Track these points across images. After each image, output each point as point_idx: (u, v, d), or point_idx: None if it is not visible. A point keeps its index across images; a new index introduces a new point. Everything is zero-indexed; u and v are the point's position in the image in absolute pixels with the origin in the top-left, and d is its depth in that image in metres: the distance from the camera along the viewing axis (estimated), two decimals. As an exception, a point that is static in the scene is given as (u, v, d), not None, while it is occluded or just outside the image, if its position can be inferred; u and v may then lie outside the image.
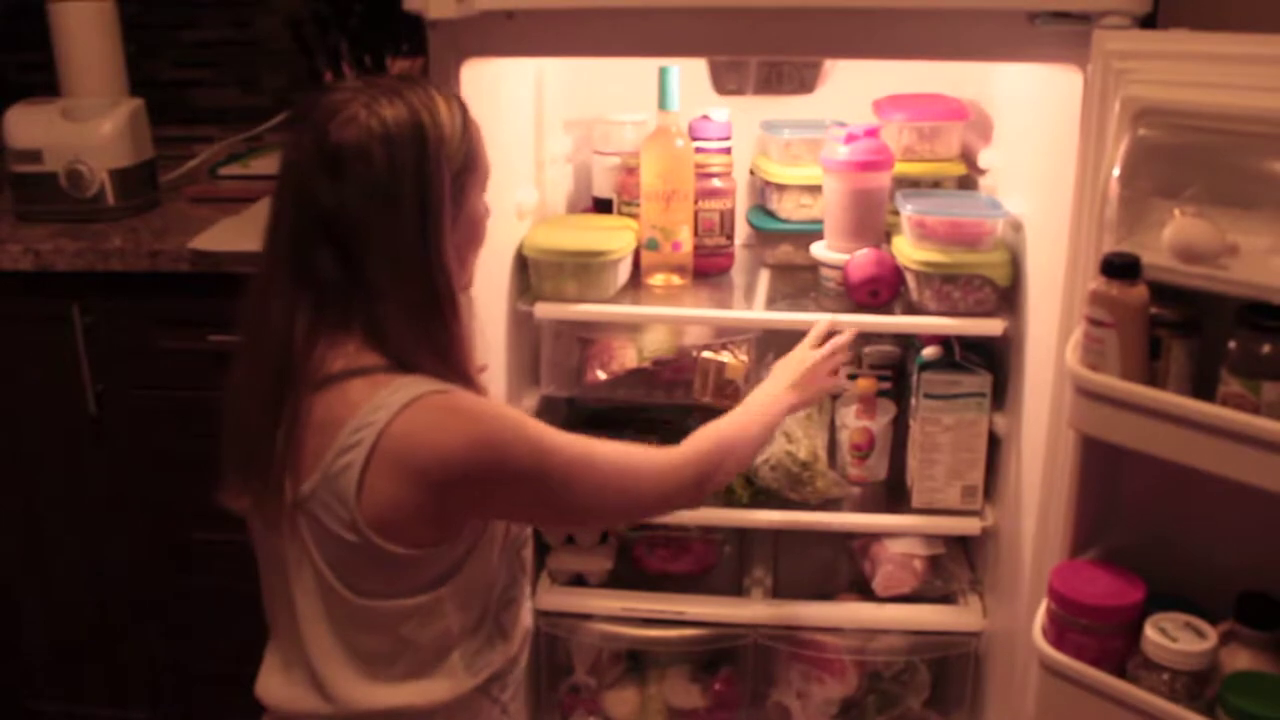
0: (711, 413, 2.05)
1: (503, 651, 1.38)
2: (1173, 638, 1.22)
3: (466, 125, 1.28)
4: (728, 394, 1.89)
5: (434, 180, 1.22)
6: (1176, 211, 1.19)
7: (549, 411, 2.08)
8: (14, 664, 2.32)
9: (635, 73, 1.88)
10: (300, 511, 1.24)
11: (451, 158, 1.25)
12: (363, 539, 1.22)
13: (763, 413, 1.62)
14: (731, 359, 1.89)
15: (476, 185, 1.32)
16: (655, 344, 1.93)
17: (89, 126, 2.24)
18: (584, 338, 1.97)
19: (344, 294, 1.23)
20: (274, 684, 1.36)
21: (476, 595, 1.34)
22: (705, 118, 1.97)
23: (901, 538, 1.98)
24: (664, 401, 1.99)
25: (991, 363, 1.89)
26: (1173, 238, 1.18)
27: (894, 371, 2.02)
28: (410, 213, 1.21)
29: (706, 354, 1.90)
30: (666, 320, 1.93)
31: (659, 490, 1.42)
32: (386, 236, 1.21)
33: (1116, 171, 1.24)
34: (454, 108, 1.28)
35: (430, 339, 1.26)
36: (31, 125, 2.23)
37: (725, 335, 1.92)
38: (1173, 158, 1.23)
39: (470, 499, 1.24)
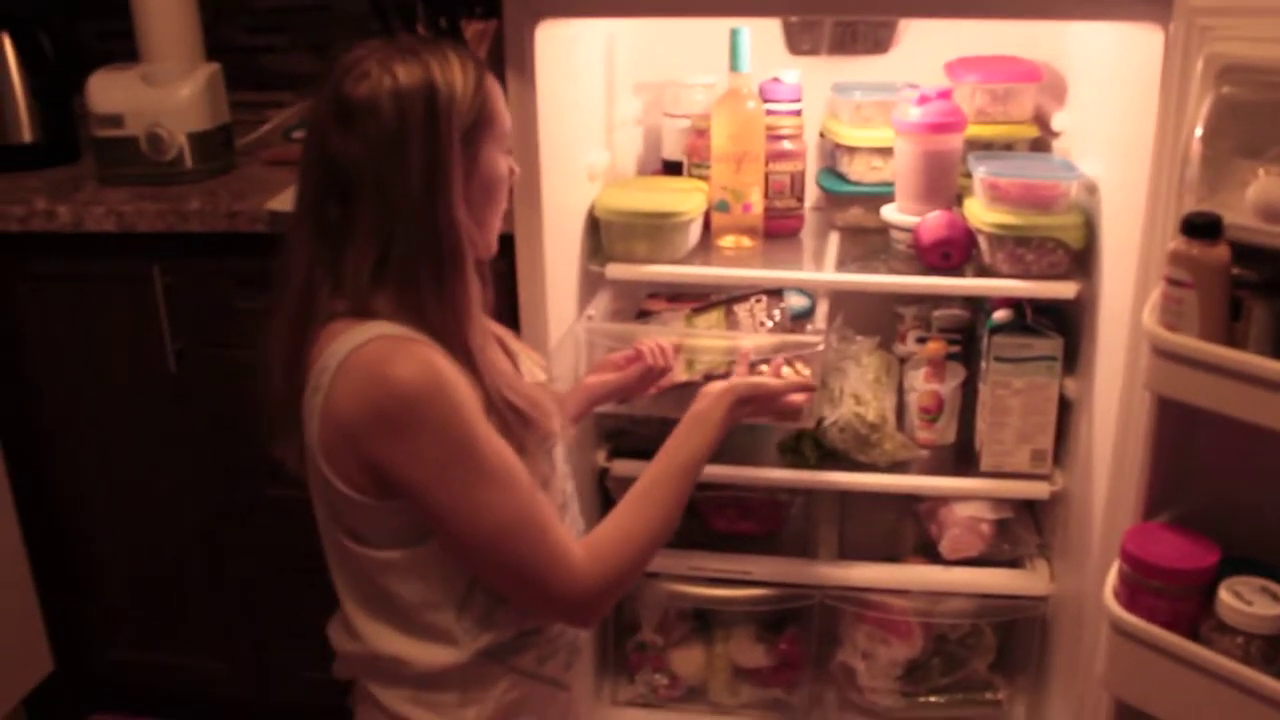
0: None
1: (511, 621, 1.33)
2: (1248, 601, 1.22)
3: (481, 82, 1.27)
4: (788, 415, 1.68)
5: (442, 136, 1.22)
6: (1261, 171, 1.18)
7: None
8: (94, 614, 2.39)
9: (706, 35, 1.88)
10: (307, 451, 1.27)
11: (463, 114, 1.24)
12: (327, 480, 1.24)
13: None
14: (793, 375, 1.67)
15: (492, 142, 1.29)
16: (709, 356, 1.74)
17: (168, 91, 2.28)
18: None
19: (345, 245, 1.24)
20: (331, 625, 1.40)
21: (460, 566, 1.30)
22: (776, 80, 1.97)
23: (969, 501, 1.98)
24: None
25: (1063, 326, 1.87)
26: (1256, 197, 1.17)
27: (963, 335, 2.01)
28: (417, 166, 1.21)
29: (764, 369, 1.68)
30: (735, 283, 1.89)
31: (565, 580, 1.27)
32: (389, 188, 1.21)
33: (1199, 131, 1.22)
34: (468, 66, 1.27)
35: (430, 295, 1.23)
36: (113, 91, 2.27)
37: (786, 350, 1.70)
38: (1256, 116, 1.22)
39: (382, 457, 1.21)
